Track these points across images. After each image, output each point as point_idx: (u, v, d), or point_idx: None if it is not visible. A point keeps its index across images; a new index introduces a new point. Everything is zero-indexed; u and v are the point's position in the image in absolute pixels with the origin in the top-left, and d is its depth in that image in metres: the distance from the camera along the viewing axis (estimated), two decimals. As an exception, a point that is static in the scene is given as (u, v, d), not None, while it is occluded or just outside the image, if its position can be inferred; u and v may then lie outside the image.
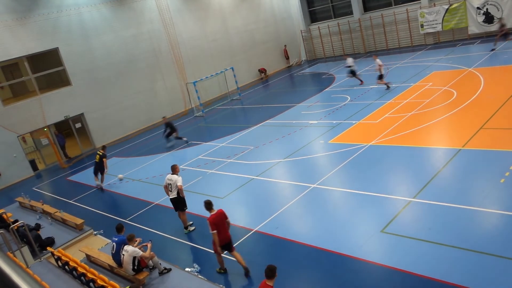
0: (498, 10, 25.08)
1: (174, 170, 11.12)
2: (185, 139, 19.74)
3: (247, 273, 8.76)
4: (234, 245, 9.20)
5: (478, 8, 25.76)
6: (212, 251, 9.07)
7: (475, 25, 25.93)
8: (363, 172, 12.17)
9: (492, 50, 22.43)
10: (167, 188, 11.09)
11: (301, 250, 9.26)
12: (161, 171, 16.15)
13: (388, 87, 20.00)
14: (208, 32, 29.49)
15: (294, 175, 13.45)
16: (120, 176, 16.95)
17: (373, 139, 14.40)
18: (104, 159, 16.11)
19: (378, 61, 20.24)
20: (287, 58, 35.28)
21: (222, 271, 9.11)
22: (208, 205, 8.89)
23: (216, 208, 8.92)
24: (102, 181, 16.63)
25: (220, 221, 8.70)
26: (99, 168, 16.31)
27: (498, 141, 11.97)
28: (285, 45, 35.02)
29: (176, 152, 19.07)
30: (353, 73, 22.49)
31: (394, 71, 23.83)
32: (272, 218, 10.89)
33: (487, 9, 25.49)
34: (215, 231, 8.51)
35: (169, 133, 19.68)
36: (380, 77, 20.26)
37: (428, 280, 7.33)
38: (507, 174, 10.04)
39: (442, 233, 8.49)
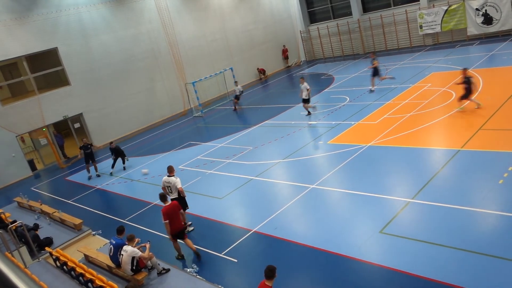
0: (497, 12, 25.13)
1: (171, 171, 11.11)
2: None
3: (198, 257, 9.76)
4: (234, 245, 9.20)
5: (477, 9, 25.80)
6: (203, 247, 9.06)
7: (474, 26, 25.98)
8: (362, 173, 12.17)
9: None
10: (166, 190, 11.09)
11: (300, 250, 9.26)
12: (160, 171, 16.12)
13: (309, 113, 18.83)
14: (207, 33, 29.49)
15: (293, 175, 13.44)
16: (145, 170, 16.29)
17: (372, 139, 14.41)
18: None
19: (306, 85, 18.55)
20: (286, 58, 35.28)
21: (180, 257, 9.99)
22: (162, 197, 9.87)
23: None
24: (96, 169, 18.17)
25: (172, 212, 9.55)
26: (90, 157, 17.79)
27: (497, 142, 11.99)
28: (284, 45, 35.02)
29: (175, 152, 19.06)
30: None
31: (393, 72, 23.83)
32: (271, 218, 10.88)
33: (486, 10, 25.53)
34: (167, 221, 9.45)
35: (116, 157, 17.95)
36: (306, 101, 18.83)
37: (427, 280, 7.33)
38: (505, 175, 10.06)
39: (440, 234, 8.49)
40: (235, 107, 24.34)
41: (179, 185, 10.78)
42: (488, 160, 11.10)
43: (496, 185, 9.80)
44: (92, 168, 18.18)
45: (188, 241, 9.93)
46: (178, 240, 9.96)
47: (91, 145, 18.08)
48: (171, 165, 11.32)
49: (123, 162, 18.15)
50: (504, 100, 14.88)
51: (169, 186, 10.96)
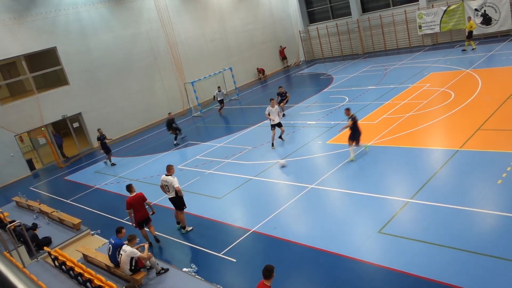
0: (496, 12, 25.16)
1: (169, 171, 11.12)
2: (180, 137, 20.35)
3: (157, 241, 10.96)
4: (233, 245, 9.19)
5: (476, 9, 25.82)
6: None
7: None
8: (361, 173, 12.18)
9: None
10: (164, 188, 11.13)
11: (299, 250, 9.26)
12: (159, 171, 16.10)
13: (273, 145, 16.24)
14: (207, 32, 29.48)
15: (292, 175, 13.44)
16: (283, 162, 15.45)
17: (371, 139, 14.42)
18: (104, 141, 18.65)
19: (277, 107, 16.24)
20: (284, 58, 35.26)
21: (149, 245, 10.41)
22: (129, 188, 10.78)
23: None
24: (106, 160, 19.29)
25: (136, 202, 10.52)
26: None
27: (496, 142, 12.00)
28: (281, 46, 34.97)
29: (174, 152, 19.05)
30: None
31: (392, 72, 23.87)
32: (270, 218, 10.88)
33: (485, 10, 25.55)
34: (130, 210, 10.51)
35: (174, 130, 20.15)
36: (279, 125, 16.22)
37: (425, 280, 7.34)
38: (504, 175, 10.07)
39: (439, 233, 8.50)
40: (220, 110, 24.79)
41: (176, 185, 10.79)
42: (486, 160, 11.11)
43: (495, 185, 9.81)
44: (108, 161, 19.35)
45: (151, 227, 10.95)
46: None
47: (105, 136, 18.89)
48: (171, 164, 11.31)
49: (178, 134, 20.07)
50: (503, 100, 14.89)
51: (166, 185, 10.98)
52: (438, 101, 16.67)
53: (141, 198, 10.59)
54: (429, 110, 15.96)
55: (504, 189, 9.60)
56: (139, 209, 10.59)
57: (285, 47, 34.98)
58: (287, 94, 20.41)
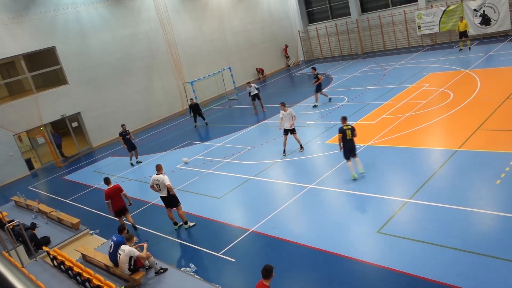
0: (495, 12, 25.18)
1: (159, 170, 11.26)
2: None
3: (135, 229, 11.95)
4: (232, 245, 9.20)
5: (475, 10, 25.85)
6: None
7: (472, 27, 26.00)
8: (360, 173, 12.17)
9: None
10: (154, 187, 11.27)
11: (298, 250, 9.26)
12: (158, 171, 16.11)
13: (284, 152, 15.11)
14: (206, 32, 29.46)
15: (291, 175, 13.45)
16: (185, 159, 17.01)
17: (370, 139, 14.43)
18: (127, 137, 17.88)
19: (289, 111, 14.64)
20: (288, 57, 35.35)
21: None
22: (106, 180, 11.75)
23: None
24: (130, 158, 18.48)
25: (114, 194, 11.44)
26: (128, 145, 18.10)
27: (494, 142, 12.01)
28: (286, 45, 35.08)
29: (173, 152, 19.05)
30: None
31: (392, 72, 23.89)
32: (269, 218, 10.88)
33: (484, 11, 25.58)
34: (108, 201, 11.42)
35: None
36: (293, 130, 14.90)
37: (424, 280, 7.35)
38: (503, 175, 10.08)
39: (438, 234, 8.51)
40: (256, 110, 22.47)
41: (167, 182, 10.89)
42: (485, 161, 11.12)
43: (494, 185, 9.82)
44: (133, 158, 18.60)
45: (129, 216, 11.95)
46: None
47: (128, 132, 18.07)
48: (160, 164, 11.47)
49: (203, 119, 22.02)
50: (502, 100, 14.91)
51: (158, 184, 11.05)
52: (437, 101, 16.68)
53: (118, 189, 11.55)
54: (428, 110, 15.97)
55: (502, 189, 9.61)
56: (117, 200, 11.54)
57: (288, 46, 35.03)
58: (318, 76, 20.24)
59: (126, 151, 18.51)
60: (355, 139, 11.78)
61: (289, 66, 35.33)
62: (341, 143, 11.74)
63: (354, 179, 11.73)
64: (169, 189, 10.94)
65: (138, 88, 25.60)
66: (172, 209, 11.44)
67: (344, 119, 11.97)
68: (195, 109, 21.78)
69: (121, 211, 11.75)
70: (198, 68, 28.39)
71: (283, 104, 14.73)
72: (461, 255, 7.73)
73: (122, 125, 18.36)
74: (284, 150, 15.03)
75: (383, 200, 10.39)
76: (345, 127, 11.67)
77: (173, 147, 19.64)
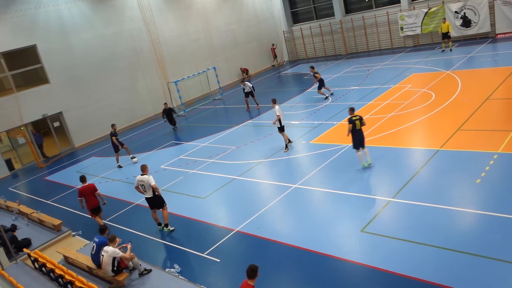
0: (475, 15, 25.68)
1: (144, 170, 11.10)
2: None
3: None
4: (216, 245, 9.32)
5: (456, 12, 26.32)
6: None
7: (453, 28, 26.45)
8: (343, 172, 12.28)
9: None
10: (139, 188, 11.09)
11: (283, 250, 9.29)
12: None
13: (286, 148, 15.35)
14: (190, 32, 29.32)
15: (276, 175, 13.48)
16: (135, 159, 18.11)
17: (354, 139, 14.54)
18: (112, 138, 17.58)
19: (277, 108, 15.01)
20: (275, 56, 35.52)
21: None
22: (82, 178, 11.94)
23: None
24: (117, 160, 18.17)
25: (88, 192, 11.71)
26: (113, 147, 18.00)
27: (475, 142, 12.25)
28: (273, 44, 35.23)
29: (157, 152, 18.91)
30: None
31: (375, 72, 24.15)
32: (254, 218, 10.89)
33: (464, 13, 26.07)
34: (81, 198, 11.68)
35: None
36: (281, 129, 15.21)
37: (407, 278, 7.45)
38: (483, 174, 10.29)
39: (420, 232, 8.64)
40: (248, 106, 22.77)
41: (152, 183, 10.79)
42: (466, 160, 11.34)
43: (474, 184, 10.02)
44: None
45: (99, 218, 12.14)
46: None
47: (117, 134, 17.97)
48: (145, 164, 11.31)
49: (174, 124, 21.74)
50: (481, 101, 15.22)
51: (142, 185, 10.93)
52: (419, 102, 16.93)
53: (92, 188, 11.80)
54: (410, 110, 16.20)
55: (482, 188, 9.81)
56: (91, 198, 11.78)
57: (275, 45, 35.15)
58: (315, 74, 20.54)
59: (110, 151, 18.28)
60: (363, 128, 12.27)
61: (273, 66, 35.42)
62: (349, 134, 12.18)
63: (364, 167, 12.15)
64: (154, 190, 10.85)
65: (121, 88, 25.34)
66: (157, 210, 11.34)
67: (351, 109, 12.37)
68: (168, 114, 21.57)
69: (96, 210, 12.01)
70: (182, 67, 28.26)
71: (273, 100, 15.46)
72: (442, 253, 7.86)
73: (113, 125, 18.03)
74: (286, 146, 15.25)
75: (367, 199, 10.50)
76: (354, 118, 12.07)
77: (157, 147, 19.49)
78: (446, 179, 10.63)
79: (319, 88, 20.75)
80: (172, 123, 21.68)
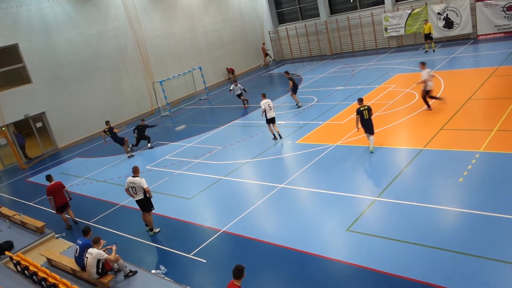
0: (458, 16, 26.11)
1: (135, 172, 10.94)
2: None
3: (76, 223, 12.68)
4: (202, 246, 9.20)
5: (438, 13, 26.72)
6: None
7: (436, 29, 26.87)
8: (329, 172, 12.37)
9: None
10: (130, 191, 10.90)
11: (269, 249, 9.31)
12: (127, 172, 15.82)
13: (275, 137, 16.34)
14: (176, 31, 29.17)
15: (262, 175, 13.50)
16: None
17: (339, 139, 14.67)
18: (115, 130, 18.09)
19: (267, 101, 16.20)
20: (267, 55, 35.77)
21: (68, 227, 12.55)
22: (48, 177, 12.30)
23: None
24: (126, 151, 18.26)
25: (56, 190, 12.10)
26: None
27: (457, 141, 12.46)
28: (264, 43, 35.47)
29: (142, 152, 18.75)
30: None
31: (360, 73, 24.36)
32: (240, 218, 10.89)
33: (447, 14, 26.48)
34: (50, 197, 12.08)
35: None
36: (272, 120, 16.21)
37: (392, 276, 7.54)
38: (465, 173, 10.47)
39: (405, 230, 8.75)
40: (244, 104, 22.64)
41: (145, 185, 10.65)
42: (449, 159, 11.52)
43: (457, 183, 10.18)
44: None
45: (70, 212, 12.65)
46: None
47: (112, 128, 18.35)
48: (137, 166, 11.14)
49: (149, 142, 19.08)
50: (463, 101, 15.48)
51: (133, 187, 10.77)
52: (403, 102, 17.14)
53: (60, 186, 12.22)
54: (394, 110, 16.39)
55: (465, 186, 9.98)
56: (59, 196, 12.19)
57: (265, 44, 35.51)
58: (289, 81, 20.13)
59: (94, 152, 18.09)
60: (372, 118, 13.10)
61: (265, 64, 35.51)
62: (359, 124, 13.00)
63: (371, 152, 12.99)
64: (146, 192, 10.71)
65: (106, 87, 25.06)
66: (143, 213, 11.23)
67: (360, 100, 13.15)
68: (141, 131, 18.84)
69: (63, 207, 12.42)
70: (167, 67, 28.09)
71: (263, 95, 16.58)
72: (427, 251, 7.97)
73: (107, 122, 18.42)
74: (276, 135, 16.20)
75: (352, 198, 10.59)
76: (362, 108, 12.88)
77: (142, 148, 19.31)
78: (430, 178, 10.78)
79: (293, 92, 20.20)
80: (145, 139, 18.93)
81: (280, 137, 16.11)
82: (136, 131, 18.95)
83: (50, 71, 22.58)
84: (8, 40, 21.10)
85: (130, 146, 18.82)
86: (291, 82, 20.15)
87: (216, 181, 13.64)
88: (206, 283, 8.82)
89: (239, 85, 22.68)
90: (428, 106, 15.37)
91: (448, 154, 11.82)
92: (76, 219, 12.79)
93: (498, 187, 9.60)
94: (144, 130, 18.91)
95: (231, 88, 23.00)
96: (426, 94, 15.22)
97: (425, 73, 15.10)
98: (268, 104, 15.91)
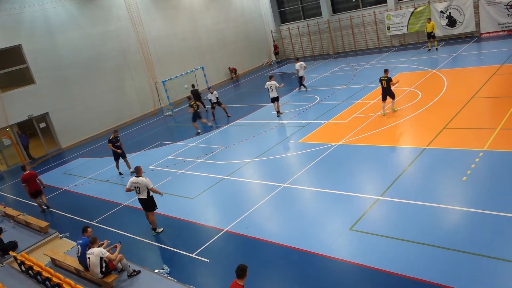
0: (461, 14, 26.03)
1: (139, 172, 10.96)
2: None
3: (47, 207, 14.44)
4: (206, 245, 9.34)
5: (441, 11, 26.65)
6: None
7: (439, 28, 26.80)
8: (332, 171, 12.36)
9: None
10: (133, 190, 10.91)
11: (272, 249, 9.31)
12: (129, 172, 15.85)
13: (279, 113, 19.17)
14: (178, 31, 29.20)
15: (265, 174, 13.50)
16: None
17: (342, 138, 14.65)
18: (117, 144, 15.96)
19: (274, 82, 18.79)
20: (277, 53, 35.89)
21: (42, 211, 14.28)
22: (23, 167, 14.08)
23: None
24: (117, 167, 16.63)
25: (29, 178, 13.76)
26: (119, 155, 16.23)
27: (460, 140, 12.42)
28: (274, 40, 35.70)
29: (145, 152, 18.79)
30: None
31: (362, 72, 24.32)
32: (243, 217, 10.90)
33: (450, 13, 26.40)
34: (24, 184, 13.75)
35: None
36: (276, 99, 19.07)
37: (396, 276, 7.52)
38: (468, 172, 10.44)
39: (408, 229, 8.73)
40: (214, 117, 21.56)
41: (151, 185, 10.70)
42: (452, 158, 11.49)
43: (460, 182, 10.16)
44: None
45: (43, 197, 14.36)
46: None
47: (118, 139, 16.12)
48: (139, 166, 11.17)
49: (128, 167, 16.37)
50: (467, 99, 15.43)
51: (137, 187, 10.79)
52: (406, 101, 17.10)
53: (34, 175, 13.97)
54: (398, 109, 16.34)
55: (468, 185, 9.95)
56: (32, 184, 13.85)
57: (275, 42, 35.79)
58: (193, 104, 19.12)
59: (97, 152, 18.09)
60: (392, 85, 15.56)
61: (262, 65, 35.49)
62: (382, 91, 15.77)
63: (383, 115, 15.77)
64: (153, 192, 10.75)
65: (109, 88, 25.13)
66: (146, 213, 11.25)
67: (385, 71, 15.77)
68: (115, 142, 16.13)
69: (36, 193, 14.10)
70: (170, 67, 28.13)
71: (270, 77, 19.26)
72: (431, 250, 7.95)
73: (115, 131, 16.33)
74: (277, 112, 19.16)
75: (355, 198, 10.57)
76: (382, 78, 15.58)
77: (145, 148, 19.37)
78: (433, 176, 10.76)
79: (194, 119, 19.23)
80: (121, 154, 16.28)
81: (279, 115, 18.97)
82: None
83: (54, 72, 22.66)
84: (11, 41, 21.19)
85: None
86: (191, 109, 19.02)
87: (219, 180, 13.66)
88: (209, 282, 8.83)
89: (215, 91, 21.30)
90: None
91: (451, 153, 11.79)
92: (49, 205, 14.56)
93: (502, 186, 9.57)
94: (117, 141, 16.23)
95: (207, 97, 21.29)
96: None
97: None
98: (270, 86, 18.71)
